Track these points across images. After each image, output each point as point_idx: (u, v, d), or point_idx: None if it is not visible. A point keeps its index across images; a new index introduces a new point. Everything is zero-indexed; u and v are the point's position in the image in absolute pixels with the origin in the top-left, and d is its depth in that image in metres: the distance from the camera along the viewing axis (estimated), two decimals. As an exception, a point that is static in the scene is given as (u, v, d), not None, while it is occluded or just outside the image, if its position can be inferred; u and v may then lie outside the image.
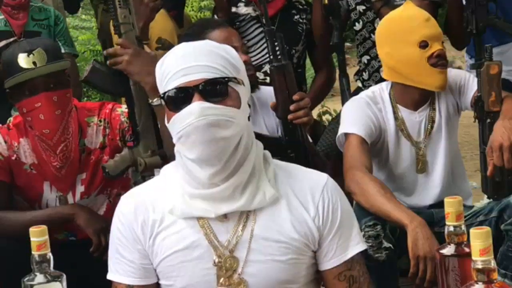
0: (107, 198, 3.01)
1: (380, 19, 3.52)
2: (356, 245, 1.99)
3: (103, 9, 4.56)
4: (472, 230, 1.53)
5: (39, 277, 1.73)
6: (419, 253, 2.57)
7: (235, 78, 1.90)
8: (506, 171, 2.82)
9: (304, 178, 1.98)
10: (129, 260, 1.96)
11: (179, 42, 2.95)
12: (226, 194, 1.88)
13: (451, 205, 1.73)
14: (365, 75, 3.75)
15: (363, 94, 3.12)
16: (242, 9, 3.71)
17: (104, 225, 2.82)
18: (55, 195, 2.95)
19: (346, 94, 3.56)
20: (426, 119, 3.04)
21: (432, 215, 2.92)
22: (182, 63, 1.87)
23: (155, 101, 2.60)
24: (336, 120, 3.61)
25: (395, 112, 3.04)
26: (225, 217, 1.91)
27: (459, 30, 3.36)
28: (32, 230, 1.74)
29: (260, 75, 3.61)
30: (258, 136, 2.05)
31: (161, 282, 1.98)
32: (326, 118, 5.91)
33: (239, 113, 1.89)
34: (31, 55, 2.77)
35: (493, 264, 1.52)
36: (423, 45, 2.91)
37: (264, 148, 2.01)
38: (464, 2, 3.31)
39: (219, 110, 1.85)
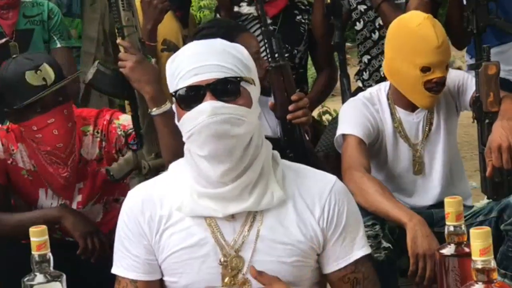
0: (103, 206, 3.00)
1: (380, 15, 3.53)
2: (361, 248, 1.99)
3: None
4: (472, 230, 1.53)
5: (39, 277, 1.73)
6: (419, 251, 2.58)
7: (247, 78, 1.90)
8: (505, 171, 2.82)
9: (312, 179, 1.98)
10: (134, 255, 1.96)
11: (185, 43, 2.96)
12: (234, 194, 1.88)
13: (451, 205, 1.74)
14: (366, 75, 3.75)
15: (360, 95, 3.12)
16: (245, 8, 3.71)
17: (91, 228, 2.82)
18: (50, 202, 2.94)
19: (347, 94, 3.56)
20: (424, 120, 3.04)
21: (432, 215, 2.92)
22: (193, 62, 1.87)
23: (154, 111, 2.61)
24: (336, 120, 3.61)
25: (392, 113, 3.04)
26: (232, 216, 1.91)
27: (459, 30, 3.36)
28: (32, 230, 1.74)
29: None
30: None
31: (165, 278, 1.98)
32: (326, 118, 5.90)
33: (250, 112, 1.89)
34: (38, 71, 2.73)
35: (493, 264, 1.52)
36: (425, 69, 2.88)
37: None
38: (464, 2, 3.30)
39: (230, 109, 1.85)
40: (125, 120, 2.90)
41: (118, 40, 2.73)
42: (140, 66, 2.64)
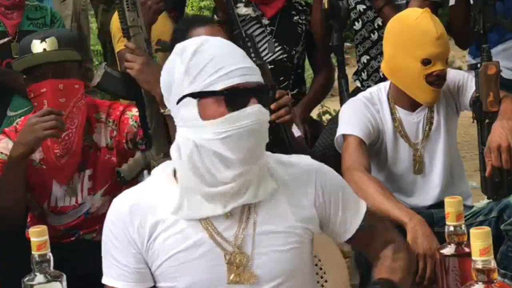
0: (110, 200, 3.00)
1: (382, 18, 3.53)
2: (360, 204, 2.03)
3: (103, 9, 4.57)
4: (472, 230, 1.53)
5: (39, 277, 1.73)
6: (419, 251, 2.58)
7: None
8: (505, 171, 2.82)
9: (294, 164, 1.99)
10: (123, 264, 1.93)
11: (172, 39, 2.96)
12: (235, 191, 1.88)
13: (451, 205, 1.74)
14: (364, 75, 3.75)
15: (360, 95, 3.12)
16: (242, 9, 3.72)
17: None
18: (64, 189, 2.95)
19: (345, 95, 3.56)
20: (424, 120, 3.04)
21: (432, 215, 2.92)
22: (235, 62, 1.83)
23: (167, 111, 2.60)
24: (334, 120, 3.61)
25: (392, 113, 3.04)
26: (229, 213, 1.90)
27: (464, 30, 3.36)
28: (32, 230, 1.74)
29: None
30: None
31: (161, 285, 1.95)
32: (326, 118, 5.91)
33: None
34: (43, 42, 2.83)
35: (493, 264, 1.52)
36: (426, 62, 2.89)
37: None
38: (471, 2, 3.29)
39: (267, 116, 1.86)
40: (137, 111, 2.93)
41: (125, 42, 2.75)
42: (148, 67, 2.66)
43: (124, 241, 1.92)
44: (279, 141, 2.82)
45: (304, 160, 2.02)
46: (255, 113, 1.82)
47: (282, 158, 2.01)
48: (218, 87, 1.83)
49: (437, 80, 2.92)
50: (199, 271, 1.90)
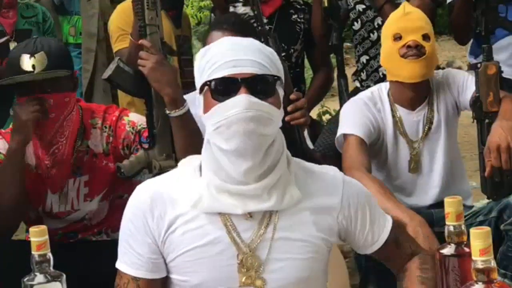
0: (109, 203, 2.98)
1: (382, 16, 3.53)
2: (387, 221, 2.06)
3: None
4: (472, 230, 1.53)
5: (39, 277, 1.73)
6: (419, 252, 2.58)
7: (281, 79, 1.90)
8: (505, 171, 2.82)
9: (321, 174, 1.99)
10: (138, 252, 1.93)
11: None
12: (256, 193, 1.87)
13: (451, 205, 1.74)
14: (363, 75, 3.75)
15: (361, 95, 3.13)
16: (240, 8, 3.72)
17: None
18: (58, 195, 2.93)
19: (344, 95, 3.56)
20: (424, 119, 3.04)
21: (432, 215, 2.92)
22: (232, 55, 1.85)
23: (172, 113, 2.62)
24: (334, 120, 3.60)
25: (393, 111, 3.04)
26: (250, 215, 1.90)
27: (466, 27, 3.36)
28: (32, 230, 1.74)
29: None
30: None
31: (174, 276, 1.95)
32: (326, 118, 5.92)
33: (278, 114, 1.89)
34: (32, 58, 2.75)
35: (493, 264, 1.52)
36: (397, 37, 2.94)
37: None
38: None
39: (264, 106, 1.84)
40: (134, 117, 2.91)
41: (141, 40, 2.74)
42: (161, 67, 2.66)
43: (141, 230, 1.93)
44: (291, 142, 2.83)
45: (332, 172, 2.01)
46: (242, 102, 1.81)
47: (310, 167, 2.01)
48: (207, 79, 1.87)
49: (409, 51, 2.92)
50: (213, 268, 1.90)
